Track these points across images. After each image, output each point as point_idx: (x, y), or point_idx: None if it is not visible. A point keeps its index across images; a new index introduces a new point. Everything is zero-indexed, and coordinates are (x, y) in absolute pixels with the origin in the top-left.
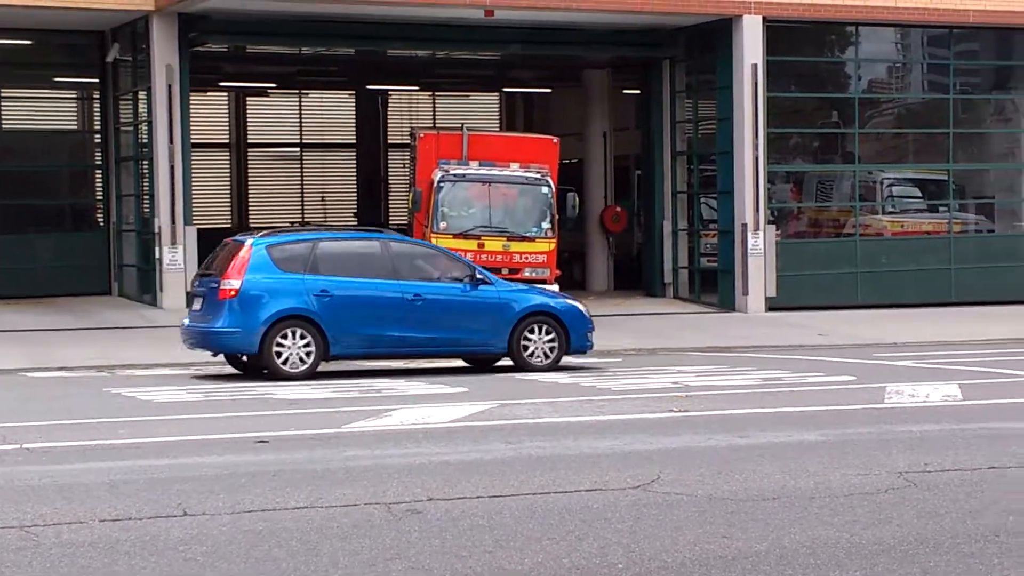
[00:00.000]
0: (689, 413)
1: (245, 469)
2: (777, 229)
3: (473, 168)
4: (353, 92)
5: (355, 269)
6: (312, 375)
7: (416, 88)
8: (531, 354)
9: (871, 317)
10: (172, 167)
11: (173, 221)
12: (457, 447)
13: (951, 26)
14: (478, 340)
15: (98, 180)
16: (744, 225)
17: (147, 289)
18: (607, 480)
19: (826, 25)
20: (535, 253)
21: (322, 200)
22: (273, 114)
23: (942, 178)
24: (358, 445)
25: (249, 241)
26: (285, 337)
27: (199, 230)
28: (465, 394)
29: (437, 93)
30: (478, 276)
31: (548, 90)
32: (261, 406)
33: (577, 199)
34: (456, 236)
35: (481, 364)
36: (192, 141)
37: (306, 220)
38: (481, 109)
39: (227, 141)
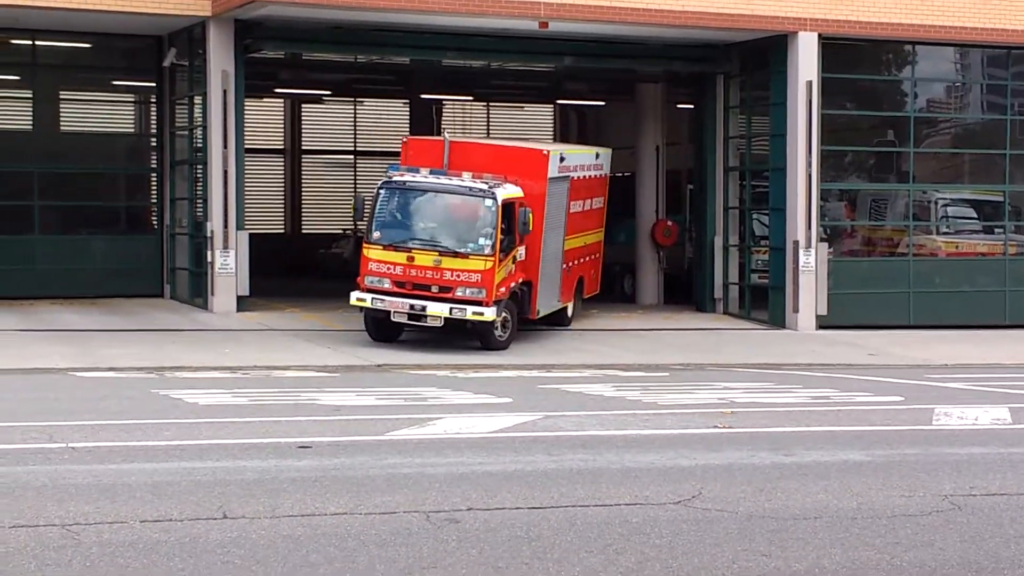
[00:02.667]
0: (734, 429)
1: (287, 474)
2: (830, 247)
3: (420, 176)
4: (407, 101)
5: None
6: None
7: (470, 98)
8: None
9: (922, 338)
10: (226, 172)
11: (225, 225)
12: (499, 457)
13: (1009, 46)
14: None
15: (153, 183)
16: (796, 242)
17: (198, 292)
18: (648, 495)
19: (882, 43)
20: (468, 271)
21: None
22: (328, 121)
23: (998, 199)
24: (400, 453)
25: None
26: None
27: (251, 235)
28: (510, 405)
29: (491, 104)
30: None
31: (602, 103)
32: (306, 411)
33: (530, 215)
34: (387, 248)
35: None
36: (246, 146)
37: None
38: (535, 121)
39: (282, 147)
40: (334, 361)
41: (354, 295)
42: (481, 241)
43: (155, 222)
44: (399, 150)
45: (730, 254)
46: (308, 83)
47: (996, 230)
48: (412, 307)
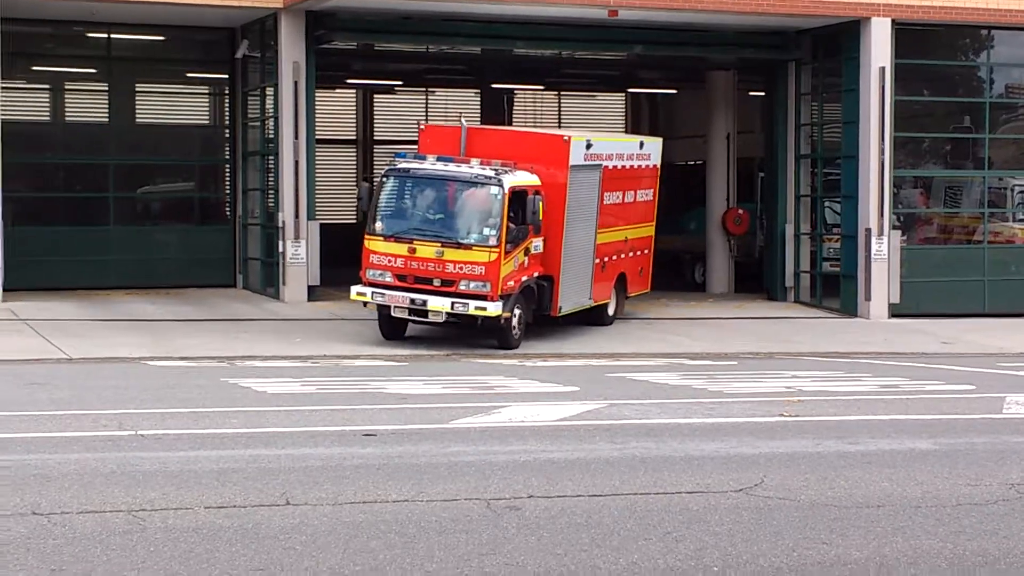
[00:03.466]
0: (799, 418)
1: (350, 462)
2: (903, 235)
3: (426, 163)
4: (479, 91)
5: None
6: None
7: (541, 88)
8: None
9: (997, 326)
10: (297, 162)
11: (297, 216)
12: (562, 445)
13: None
14: None
15: (227, 174)
16: (868, 230)
17: (270, 282)
18: (709, 483)
19: (958, 28)
20: (471, 263)
21: None
22: (399, 111)
23: None
24: (464, 441)
25: None
26: None
27: (322, 225)
28: (576, 393)
29: (563, 92)
30: None
31: (673, 91)
32: (372, 400)
33: (540, 204)
34: (388, 239)
35: None
36: (318, 137)
37: None
38: (607, 109)
39: (354, 138)
40: (402, 350)
41: (354, 289)
42: (486, 231)
43: (228, 213)
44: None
45: (801, 242)
46: (379, 74)
47: None
48: (413, 301)
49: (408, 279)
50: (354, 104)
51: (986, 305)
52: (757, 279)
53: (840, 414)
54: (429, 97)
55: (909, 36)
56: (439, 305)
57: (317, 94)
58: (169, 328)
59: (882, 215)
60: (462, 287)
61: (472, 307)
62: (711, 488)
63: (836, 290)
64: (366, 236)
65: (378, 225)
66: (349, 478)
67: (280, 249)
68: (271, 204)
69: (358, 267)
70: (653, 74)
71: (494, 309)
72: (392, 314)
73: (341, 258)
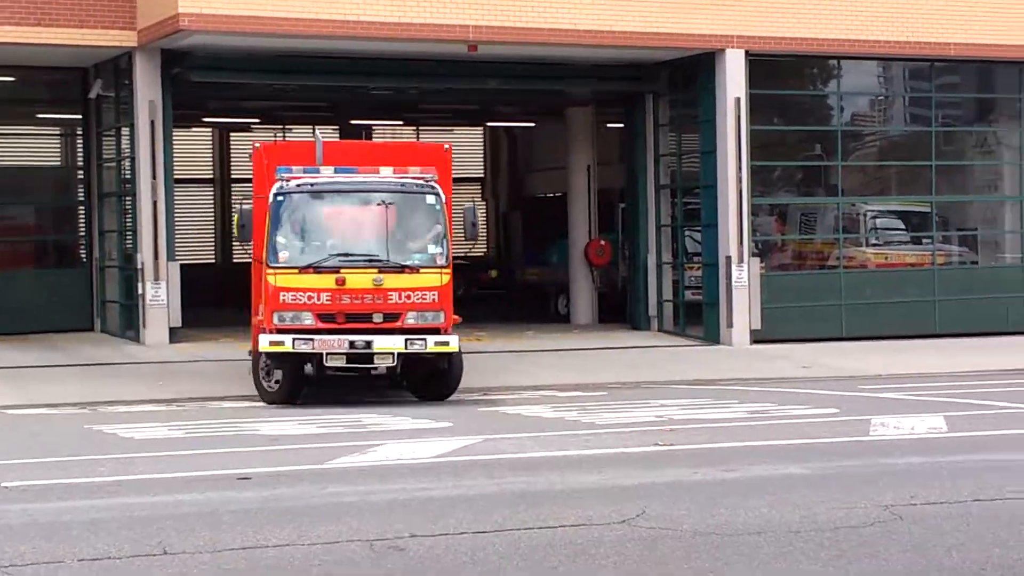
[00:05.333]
0: (674, 447)
1: (226, 507)
2: (761, 262)
3: (326, 175)
4: (337, 127)
5: None
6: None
7: (400, 123)
8: None
9: (856, 349)
10: (155, 203)
11: (156, 257)
12: (441, 482)
13: (932, 59)
14: None
15: (81, 216)
16: (728, 258)
17: (130, 325)
18: (591, 515)
19: (808, 59)
20: (421, 290)
21: None
22: None
23: (925, 210)
24: (341, 481)
25: None
26: None
27: (183, 266)
28: (450, 429)
29: (421, 128)
30: None
31: (532, 124)
32: (244, 442)
33: (477, 213)
34: (303, 271)
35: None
36: (176, 177)
37: None
38: (466, 143)
39: (211, 176)
40: None
41: (265, 339)
42: (431, 249)
43: (84, 255)
44: None
45: (664, 271)
46: (236, 112)
47: (924, 240)
48: (352, 345)
49: (338, 318)
50: (211, 142)
51: (843, 329)
52: (621, 309)
53: (712, 441)
54: (287, 135)
55: (763, 67)
56: (389, 345)
57: (174, 133)
58: (27, 375)
59: (741, 243)
60: (410, 320)
61: (432, 343)
62: (594, 521)
63: (699, 318)
64: (268, 270)
65: (283, 255)
66: (227, 524)
67: (139, 291)
68: (128, 245)
69: (220, 307)
70: (512, 108)
71: (455, 343)
72: (325, 363)
73: (203, 299)
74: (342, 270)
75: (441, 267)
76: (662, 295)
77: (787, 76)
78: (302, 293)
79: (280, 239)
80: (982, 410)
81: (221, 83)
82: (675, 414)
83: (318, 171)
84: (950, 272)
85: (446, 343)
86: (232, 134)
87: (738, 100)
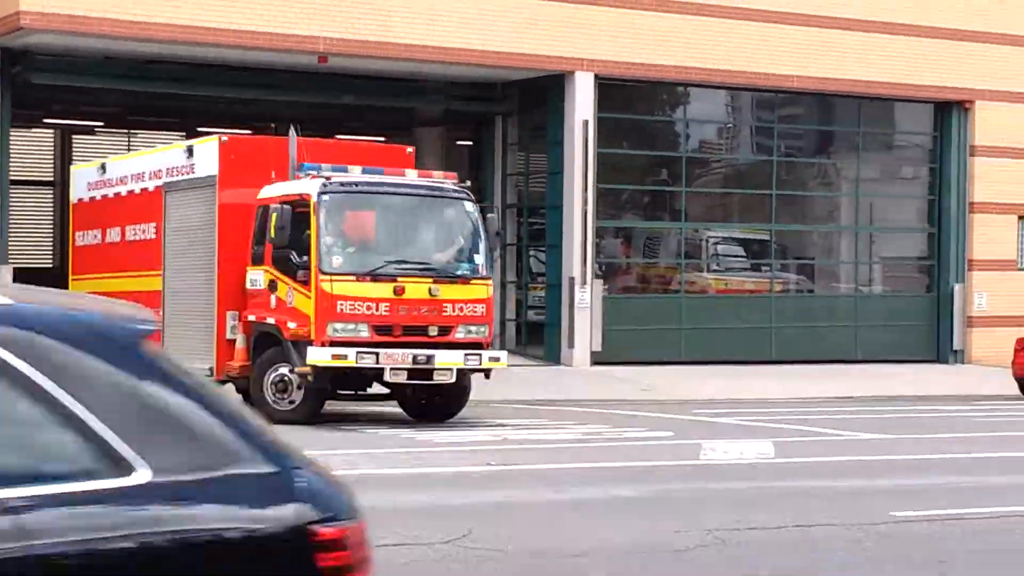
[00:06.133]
0: (507, 467)
1: None
2: (605, 284)
3: (361, 175)
4: (184, 134)
5: None
6: None
7: (248, 132)
8: None
9: (693, 373)
10: None
11: None
12: None
13: (776, 90)
14: None
15: None
16: (572, 279)
17: None
18: (417, 534)
19: (657, 85)
20: (472, 302)
21: None
22: (99, 153)
23: (765, 238)
24: None
25: None
26: None
27: (16, 269)
28: None
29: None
30: None
31: (381, 139)
32: None
33: (498, 221)
34: (361, 279)
35: None
36: (12, 178)
37: None
38: None
39: (51, 179)
40: None
41: (322, 353)
42: (476, 259)
43: None
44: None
45: (508, 291)
46: (79, 114)
47: (763, 268)
48: (415, 359)
49: (395, 330)
50: (52, 144)
51: (683, 353)
52: None
53: (546, 462)
54: (131, 139)
55: (612, 91)
56: (450, 360)
57: (12, 134)
58: None
59: (585, 264)
60: (460, 334)
61: (486, 358)
62: (419, 540)
63: (541, 338)
64: (322, 277)
65: (336, 260)
66: None
67: None
68: None
69: None
70: (362, 122)
71: (505, 359)
72: (386, 379)
73: None
74: (399, 279)
75: (486, 278)
76: (505, 314)
77: (636, 101)
78: (360, 303)
79: (330, 243)
80: (810, 436)
81: (62, 85)
82: (511, 434)
83: (346, 170)
84: (787, 300)
85: (497, 359)
86: (74, 136)
87: (586, 122)
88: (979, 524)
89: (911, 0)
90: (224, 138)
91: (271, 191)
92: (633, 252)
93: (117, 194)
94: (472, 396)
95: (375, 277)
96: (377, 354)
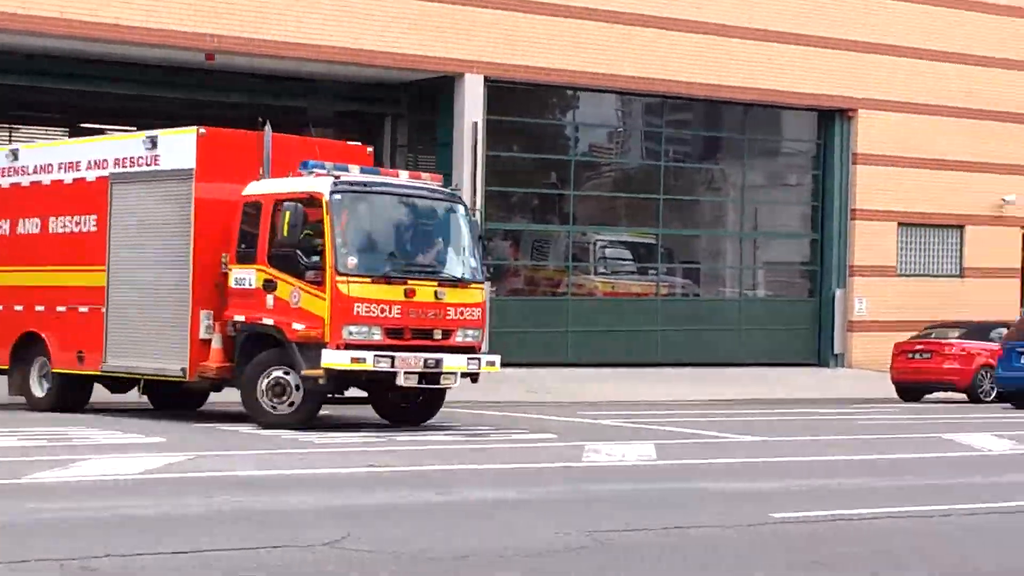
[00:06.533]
0: (390, 468)
1: None
2: (493, 286)
3: (361, 175)
4: (68, 129)
5: None
6: None
7: (134, 128)
8: None
9: (580, 375)
10: None
11: None
12: (143, 500)
13: (665, 96)
14: None
15: None
16: None
17: None
18: (295, 536)
19: (548, 88)
20: (470, 306)
21: None
22: None
23: (652, 242)
24: (39, 497)
25: None
26: None
27: None
28: (162, 444)
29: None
30: None
31: None
32: None
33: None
34: (376, 280)
35: None
36: None
37: None
38: None
39: None
40: None
41: (331, 356)
42: (472, 263)
43: None
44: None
45: None
46: None
47: (650, 272)
48: (426, 363)
49: (405, 334)
50: None
51: (569, 355)
52: None
53: (429, 464)
54: (13, 134)
55: (501, 93)
56: (455, 365)
57: None
58: None
59: None
60: (459, 338)
61: (484, 362)
62: (297, 542)
63: None
64: (339, 278)
65: (352, 261)
66: None
67: None
68: None
69: None
70: (250, 122)
71: (498, 363)
72: (399, 383)
73: None
74: (410, 281)
75: (480, 283)
76: None
77: (526, 104)
78: (375, 305)
79: (344, 243)
80: (693, 439)
81: None
82: (396, 435)
83: (347, 169)
84: (673, 304)
85: (493, 363)
86: None
87: (475, 125)
88: (856, 525)
89: (798, 10)
90: (202, 130)
91: (265, 188)
92: (521, 255)
93: (36, 183)
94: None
95: (389, 279)
96: (393, 358)
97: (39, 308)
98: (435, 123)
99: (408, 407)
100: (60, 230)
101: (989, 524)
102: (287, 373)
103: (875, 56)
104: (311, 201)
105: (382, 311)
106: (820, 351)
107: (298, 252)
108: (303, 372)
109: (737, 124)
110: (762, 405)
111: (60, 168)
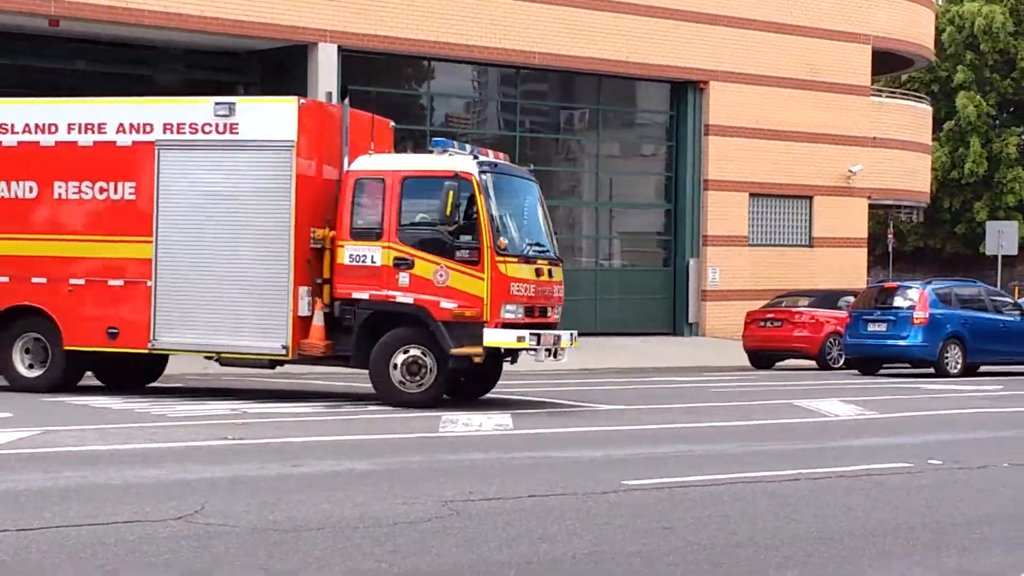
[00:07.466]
0: (244, 441)
1: None
2: None
3: (489, 156)
4: None
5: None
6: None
7: None
8: None
9: None
10: None
11: None
12: None
13: (519, 66)
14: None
15: None
16: None
17: None
18: (147, 511)
19: (403, 58)
20: (562, 284)
21: None
22: None
23: None
24: None
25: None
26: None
27: None
28: (8, 420)
29: None
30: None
31: None
32: None
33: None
34: (520, 260)
35: None
36: None
37: None
38: None
39: None
40: None
41: (493, 335)
42: (554, 243)
43: None
44: None
45: None
46: None
47: None
48: (557, 340)
49: (535, 311)
50: None
51: None
52: None
53: (284, 436)
54: None
55: (356, 63)
56: (567, 341)
57: None
58: None
59: None
60: (556, 315)
61: (576, 337)
62: (149, 517)
63: None
64: (498, 257)
65: (503, 240)
66: None
67: None
68: None
69: None
70: (97, 90)
71: (576, 338)
72: (539, 359)
73: None
74: (538, 261)
75: (561, 260)
76: None
77: (382, 74)
78: (524, 285)
79: (496, 223)
80: (548, 408)
81: None
82: (250, 408)
83: (466, 147)
84: None
85: (575, 339)
86: None
87: (329, 95)
88: (708, 491)
89: None
90: (303, 100)
91: (386, 163)
92: None
93: (30, 143)
94: (209, 371)
95: (528, 259)
96: (539, 335)
97: (37, 280)
98: (288, 93)
99: (464, 381)
100: (71, 196)
101: (834, 486)
102: (425, 353)
103: (726, 29)
104: (458, 180)
105: (526, 290)
106: (675, 320)
107: (446, 231)
108: (454, 351)
109: (592, 95)
110: (617, 374)
111: (71, 129)
